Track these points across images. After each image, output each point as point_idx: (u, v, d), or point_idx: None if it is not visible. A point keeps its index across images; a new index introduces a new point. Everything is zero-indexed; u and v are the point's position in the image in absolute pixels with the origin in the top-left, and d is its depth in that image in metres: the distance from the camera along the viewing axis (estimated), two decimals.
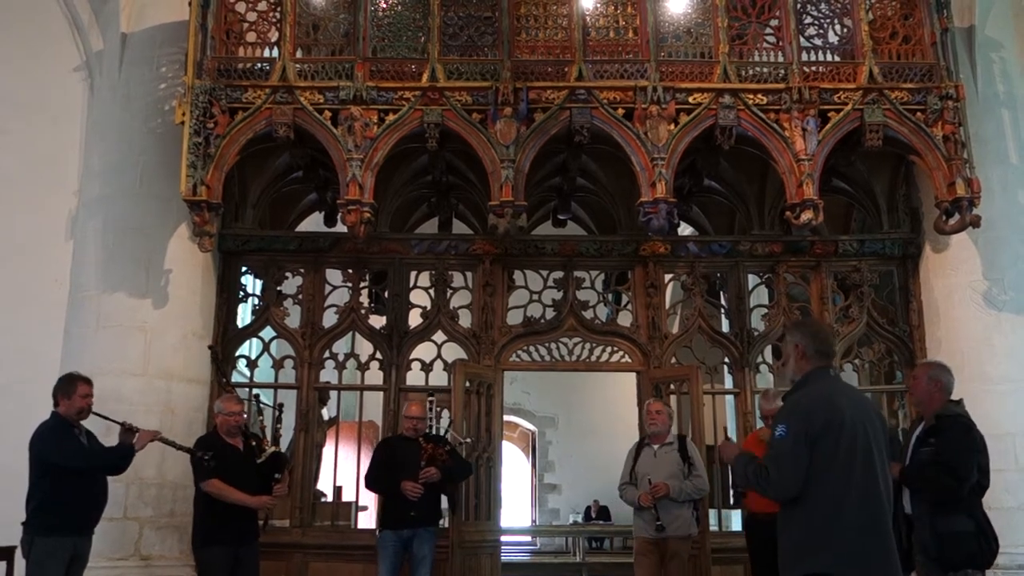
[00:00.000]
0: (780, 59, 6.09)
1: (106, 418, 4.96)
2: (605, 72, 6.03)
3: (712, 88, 5.96)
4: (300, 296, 6.92)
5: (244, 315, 7.38)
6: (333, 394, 7.31)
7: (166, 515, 5.87)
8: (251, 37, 6.14)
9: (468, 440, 6.30)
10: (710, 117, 5.92)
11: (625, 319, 7.14)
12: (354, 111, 5.85)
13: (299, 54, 6.07)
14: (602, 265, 7.18)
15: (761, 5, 6.16)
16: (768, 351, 6.96)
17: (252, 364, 6.89)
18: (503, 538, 7.07)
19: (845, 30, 6.22)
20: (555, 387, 15.84)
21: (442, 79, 5.94)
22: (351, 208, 5.75)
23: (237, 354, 6.85)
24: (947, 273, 6.52)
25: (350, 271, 6.98)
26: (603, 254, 7.04)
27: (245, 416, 5.63)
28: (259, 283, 7.15)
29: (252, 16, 6.16)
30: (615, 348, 6.98)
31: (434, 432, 6.60)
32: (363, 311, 6.94)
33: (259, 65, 6.05)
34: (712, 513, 6.92)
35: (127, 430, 4.98)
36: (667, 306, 7.11)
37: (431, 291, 7.00)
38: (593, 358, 6.99)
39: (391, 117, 5.90)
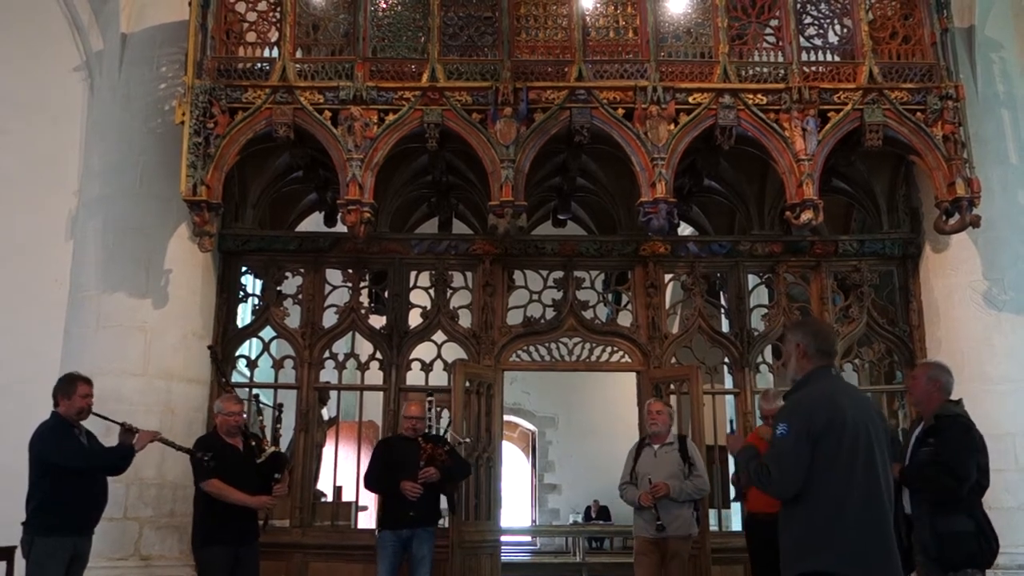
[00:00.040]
0: (780, 59, 6.09)
1: (106, 418, 4.96)
2: (605, 72, 6.03)
3: (712, 88, 5.96)
4: (300, 296, 6.92)
5: (244, 315, 7.38)
6: (333, 394, 7.31)
7: (166, 515, 5.87)
8: (251, 37, 6.15)
9: (467, 440, 6.30)
10: (710, 117, 5.92)
11: (625, 319, 7.14)
12: (354, 111, 5.85)
13: (299, 54, 6.07)
14: (602, 265, 7.18)
15: (761, 5, 6.16)
16: (768, 351, 6.95)
17: (252, 364, 6.89)
18: (503, 538, 7.08)
19: (845, 30, 6.23)
20: (555, 387, 15.84)
21: (442, 79, 5.94)
22: (351, 208, 5.75)
23: (237, 354, 6.85)
24: (947, 273, 6.52)
25: (350, 271, 6.98)
26: (603, 254, 7.04)
27: (245, 416, 5.63)
28: (259, 283, 7.15)
29: (252, 16, 6.16)
30: (615, 348, 6.98)
31: (433, 432, 6.60)
32: (363, 311, 6.94)
33: (259, 65, 6.05)
34: (712, 513, 6.92)
35: (127, 430, 4.98)
36: (667, 306, 7.11)
37: (431, 291, 7.00)
38: (593, 358, 6.99)
39: (391, 117, 5.90)
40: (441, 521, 6.05)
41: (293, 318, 7.00)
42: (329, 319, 6.93)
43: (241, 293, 6.99)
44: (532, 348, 6.99)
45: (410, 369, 6.84)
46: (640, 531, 5.57)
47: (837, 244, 6.94)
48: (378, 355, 6.84)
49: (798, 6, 6.16)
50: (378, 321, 7.01)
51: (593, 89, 5.95)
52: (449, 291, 6.97)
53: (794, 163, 5.82)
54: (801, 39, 6.10)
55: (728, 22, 6.06)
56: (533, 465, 17.48)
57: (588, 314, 7.03)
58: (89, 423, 4.91)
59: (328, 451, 7.38)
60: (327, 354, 6.85)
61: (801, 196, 5.75)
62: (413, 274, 7.07)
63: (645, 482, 5.50)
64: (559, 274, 7.07)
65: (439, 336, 6.99)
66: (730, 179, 7.15)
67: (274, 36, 6.11)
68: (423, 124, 5.90)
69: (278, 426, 6.83)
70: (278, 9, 6.10)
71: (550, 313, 7.03)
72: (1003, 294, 6.28)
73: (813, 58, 6.19)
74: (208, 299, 6.52)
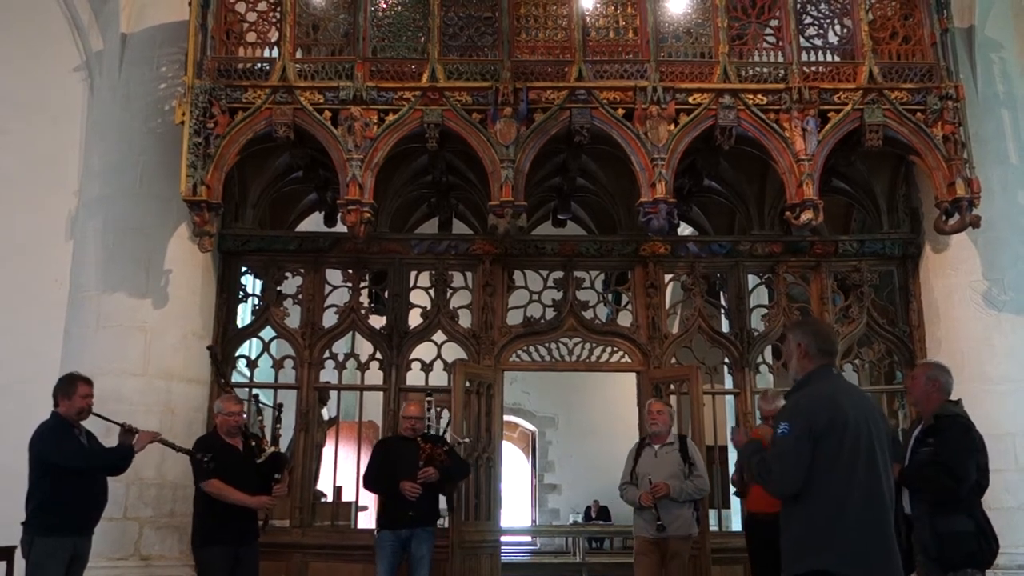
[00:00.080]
0: (780, 59, 6.09)
1: (106, 419, 4.96)
2: (605, 72, 6.03)
3: (712, 88, 5.96)
4: (300, 296, 6.92)
5: (244, 315, 7.38)
6: (333, 394, 7.32)
7: (166, 515, 5.87)
8: (251, 37, 6.15)
9: (466, 440, 6.30)
10: (710, 117, 5.92)
11: (625, 319, 7.14)
12: (354, 111, 5.85)
13: (299, 54, 6.07)
14: (602, 265, 7.18)
15: (761, 5, 6.16)
16: (768, 351, 6.95)
17: (252, 364, 6.89)
18: (503, 538, 7.07)
19: (845, 30, 6.22)
20: (555, 387, 15.84)
21: (442, 79, 5.94)
22: (351, 208, 5.75)
23: (237, 354, 6.85)
24: (947, 273, 6.52)
25: (350, 271, 6.98)
26: (603, 254, 7.04)
27: (245, 416, 5.63)
28: (259, 283, 7.15)
29: (252, 16, 6.16)
30: (615, 348, 6.98)
31: (433, 432, 6.60)
32: (363, 311, 6.94)
33: (259, 65, 6.05)
34: (712, 513, 6.92)
35: (127, 431, 4.98)
36: (667, 306, 7.11)
37: (431, 291, 7.00)
38: (593, 358, 6.99)
39: (391, 117, 5.91)
40: (440, 521, 6.05)
41: (293, 318, 7.00)
42: (329, 319, 6.93)
43: (241, 293, 6.99)
44: (532, 348, 6.99)
45: (410, 369, 6.84)
46: (640, 531, 5.57)
47: (837, 244, 6.94)
48: (378, 355, 6.84)
49: (798, 6, 6.16)
50: (378, 321, 7.01)
51: (593, 89, 5.95)
52: (449, 291, 6.97)
53: (794, 163, 5.82)
54: (801, 39, 6.10)
55: (728, 22, 6.06)
56: (533, 465, 17.48)
57: (588, 314, 7.02)
58: (89, 423, 4.91)
59: (328, 451, 7.38)
60: (327, 354, 6.85)
61: (801, 196, 5.75)
62: (413, 274, 7.07)
63: (645, 482, 5.50)
64: (559, 274, 7.07)
65: (439, 336, 6.99)
66: (730, 179, 7.15)
67: (274, 36, 6.11)
68: (423, 124, 5.90)
69: (278, 426, 6.83)
70: (278, 9, 6.10)
71: (550, 313, 7.03)
72: (1003, 294, 6.28)
73: (813, 58, 6.19)
74: (208, 299, 6.52)
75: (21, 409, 5.17)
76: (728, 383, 7.27)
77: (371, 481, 5.87)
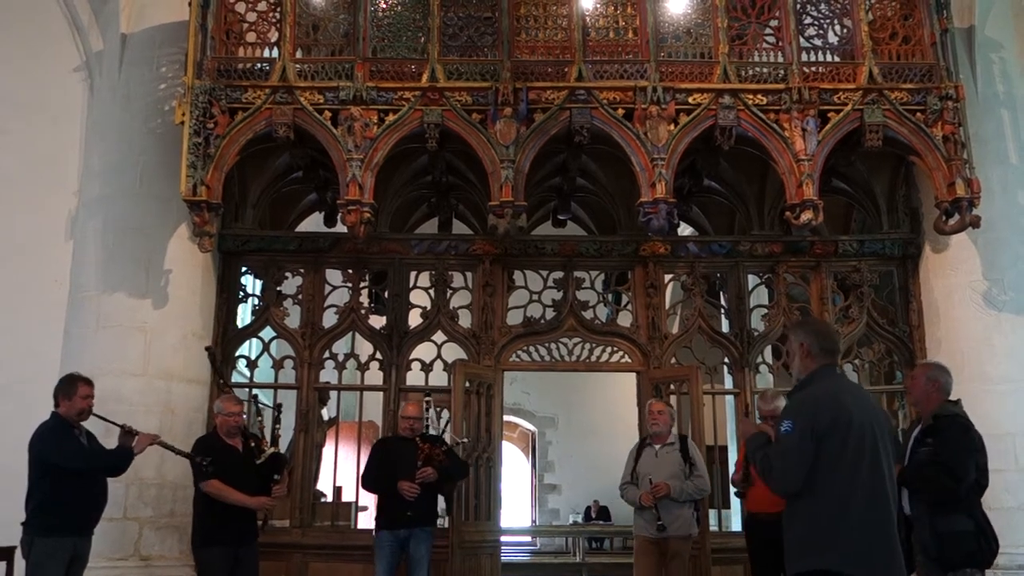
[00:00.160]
0: (780, 59, 6.09)
1: (106, 420, 4.96)
2: (605, 72, 6.03)
3: (712, 88, 5.96)
4: (300, 296, 6.92)
5: (244, 315, 7.38)
6: (333, 394, 7.32)
7: (166, 515, 5.87)
8: (251, 37, 6.15)
9: (465, 440, 6.30)
10: (710, 117, 5.92)
11: (625, 319, 7.14)
12: (354, 111, 5.85)
13: (299, 54, 6.07)
14: (602, 265, 7.18)
15: (761, 5, 6.16)
16: (768, 351, 6.96)
17: (252, 364, 6.89)
18: (503, 538, 7.07)
19: (845, 30, 6.22)
20: (555, 387, 15.84)
21: (442, 79, 5.94)
22: (351, 208, 5.75)
23: (237, 354, 6.85)
24: (947, 273, 6.52)
25: (350, 271, 6.98)
26: (603, 254, 7.04)
27: (244, 417, 5.63)
28: (259, 283, 7.15)
29: (252, 16, 6.16)
30: (615, 348, 6.98)
31: (431, 432, 6.60)
32: (363, 311, 6.94)
33: (259, 65, 6.05)
34: (712, 513, 6.92)
35: (127, 433, 4.98)
36: (667, 306, 7.11)
37: (431, 291, 7.00)
38: (593, 358, 7.00)
39: (391, 117, 5.90)
40: (440, 521, 6.05)
41: (293, 318, 7.00)
42: (329, 319, 6.93)
43: (241, 293, 6.98)
44: (532, 348, 6.99)
45: (410, 369, 6.85)
46: (640, 531, 5.57)
47: (837, 244, 6.94)
48: (378, 355, 6.84)
49: (798, 6, 6.16)
50: (378, 321, 7.01)
51: (593, 89, 5.95)
52: (449, 291, 6.97)
53: (794, 163, 5.82)
54: (801, 39, 6.10)
55: (728, 22, 6.06)
56: (533, 465, 17.48)
57: (588, 314, 7.02)
58: (89, 423, 4.90)
59: (328, 451, 7.38)
60: (327, 354, 6.85)
61: (801, 196, 5.75)
62: (413, 274, 7.07)
63: (646, 482, 5.50)
64: (559, 274, 7.07)
65: (439, 336, 6.99)
66: (730, 179, 7.15)
67: (274, 36, 6.10)
68: (423, 124, 5.90)
69: (277, 427, 6.81)
70: (278, 9, 6.10)
71: (550, 313, 7.03)
72: (1003, 294, 6.28)
73: (813, 58, 6.19)
74: (208, 299, 6.52)
75: (21, 409, 5.17)
76: (728, 383, 7.27)
77: (369, 481, 5.87)
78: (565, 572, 10.86)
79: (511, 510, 14.66)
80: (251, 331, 6.92)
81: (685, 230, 8.21)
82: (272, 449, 5.70)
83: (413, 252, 6.98)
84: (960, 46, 6.39)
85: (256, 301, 6.99)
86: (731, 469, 6.14)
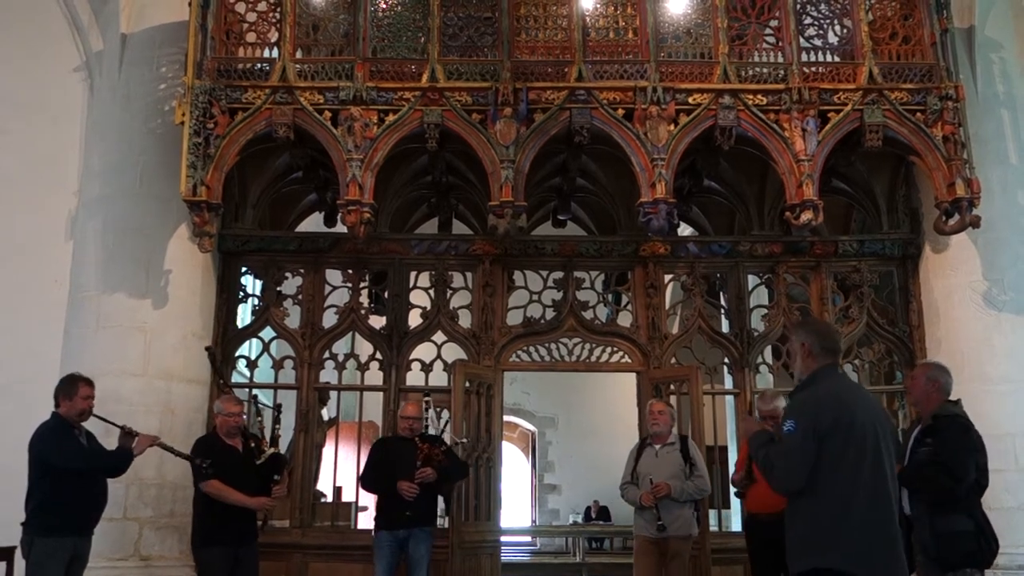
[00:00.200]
0: (780, 59, 6.09)
1: (106, 420, 4.96)
2: (605, 73, 6.03)
3: (712, 88, 5.96)
4: (300, 296, 6.92)
5: (244, 315, 7.38)
6: (333, 394, 7.32)
7: (166, 515, 5.87)
8: (251, 37, 6.15)
9: (464, 440, 6.30)
10: (710, 118, 5.92)
11: (625, 319, 7.14)
12: (354, 111, 5.85)
13: (299, 54, 6.07)
14: (602, 265, 7.18)
15: (761, 5, 6.16)
16: (768, 351, 6.96)
17: (252, 364, 6.89)
18: (503, 538, 7.07)
19: (845, 30, 6.23)
20: (555, 387, 15.84)
21: (442, 79, 5.94)
22: (351, 208, 5.75)
23: (237, 354, 6.85)
24: (947, 273, 6.52)
25: (350, 271, 6.98)
26: (603, 254, 7.04)
27: (244, 417, 5.63)
28: (259, 283, 7.15)
29: (252, 16, 6.16)
30: (615, 348, 6.98)
31: (430, 432, 6.60)
32: (363, 311, 6.94)
33: (259, 65, 6.05)
34: (712, 513, 6.92)
35: (127, 434, 4.98)
36: (667, 306, 7.11)
37: (431, 291, 7.00)
38: (593, 358, 6.99)
39: (391, 117, 5.90)
40: (440, 521, 6.05)
41: (293, 318, 7.00)
42: (329, 319, 6.93)
43: (241, 293, 6.98)
44: (532, 348, 6.99)
45: (410, 369, 6.84)
46: (641, 531, 5.57)
47: (837, 244, 6.94)
48: (378, 355, 6.84)
49: (798, 6, 6.16)
50: (378, 321, 7.01)
51: (593, 89, 5.95)
52: (449, 291, 6.97)
53: (794, 163, 5.82)
54: (801, 39, 6.10)
55: (728, 22, 6.06)
56: (533, 465, 17.48)
57: (588, 314, 7.02)
58: (89, 424, 4.90)
59: (328, 451, 7.38)
60: (327, 354, 6.85)
61: (801, 196, 5.75)
62: (413, 274, 7.07)
63: (646, 482, 5.50)
64: (559, 274, 7.07)
65: (439, 336, 6.99)
66: (730, 179, 7.15)
67: (274, 36, 6.11)
68: (423, 124, 5.90)
69: (277, 427, 6.81)
70: (278, 9, 6.10)
71: (550, 313, 7.03)
72: (1003, 294, 6.28)
73: (813, 58, 6.19)
74: (208, 299, 6.52)
75: (21, 409, 5.17)
76: (728, 383, 7.27)
77: (369, 481, 5.87)
78: (565, 572, 10.86)
79: (511, 510, 14.66)
80: (251, 331, 6.92)
81: (685, 230, 8.21)
82: (272, 449, 5.70)
83: (413, 252, 6.98)
84: (960, 46, 6.39)
85: (256, 301, 6.99)
86: (731, 469, 6.14)
